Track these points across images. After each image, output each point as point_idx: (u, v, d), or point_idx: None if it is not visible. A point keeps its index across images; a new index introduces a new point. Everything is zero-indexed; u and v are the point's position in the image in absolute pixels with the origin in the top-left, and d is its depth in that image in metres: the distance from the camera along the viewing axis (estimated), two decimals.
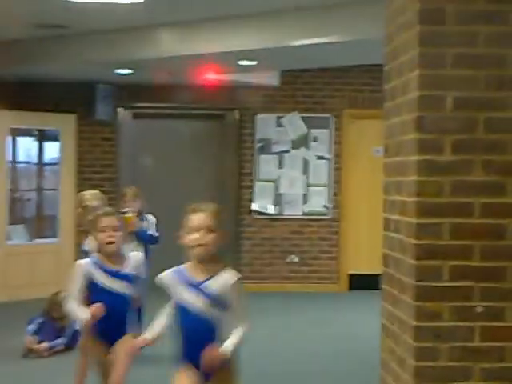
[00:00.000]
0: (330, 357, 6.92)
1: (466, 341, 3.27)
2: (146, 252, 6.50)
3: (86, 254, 4.78)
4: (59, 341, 6.80)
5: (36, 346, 6.68)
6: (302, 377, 6.27)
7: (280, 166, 10.39)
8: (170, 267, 3.76)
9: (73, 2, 6.67)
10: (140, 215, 6.80)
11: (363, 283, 10.10)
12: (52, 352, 6.72)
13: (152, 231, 6.80)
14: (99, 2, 6.71)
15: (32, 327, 6.81)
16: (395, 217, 3.61)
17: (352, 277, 10.44)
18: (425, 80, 3.26)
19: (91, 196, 5.02)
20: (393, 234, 3.65)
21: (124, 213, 6.40)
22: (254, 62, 8.35)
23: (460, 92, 3.27)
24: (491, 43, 3.26)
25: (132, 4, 6.77)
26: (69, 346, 6.66)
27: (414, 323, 3.28)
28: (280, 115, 10.38)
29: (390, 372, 3.68)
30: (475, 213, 3.27)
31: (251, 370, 6.37)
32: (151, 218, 6.91)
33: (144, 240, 6.68)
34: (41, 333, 6.79)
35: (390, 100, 3.77)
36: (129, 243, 6.22)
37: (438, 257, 3.27)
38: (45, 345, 6.70)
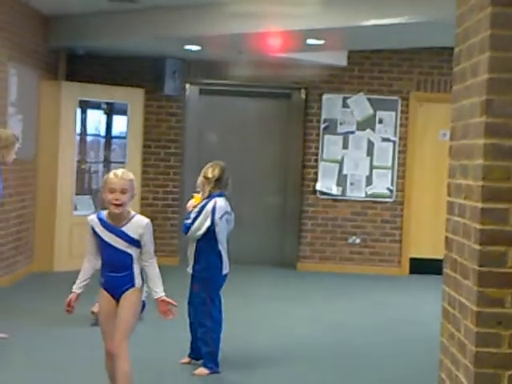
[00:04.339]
0: (388, 339, 6.91)
1: None
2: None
3: None
4: None
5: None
6: (361, 359, 6.27)
7: (345, 146, 10.35)
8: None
9: None
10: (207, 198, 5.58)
11: (425, 267, 10.05)
12: None
13: (189, 220, 5.52)
14: None
15: None
16: (460, 201, 3.57)
17: (413, 260, 10.37)
18: (495, 62, 3.20)
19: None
20: (457, 218, 3.61)
21: (198, 191, 5.65)
22: (322, 42, 8.31)
23: None
24: None
25: None
26: None
27: (476, 309, 3.25)
28: (346, 96, 10.32)
29: (449, 357, 3.66)
30: None
31: (304, 350, 6.42)
32: (206, 204, 5.50)
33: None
34: None
35: (458, 82, 3.72)
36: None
37: (502, 242, 3.23)
38: None
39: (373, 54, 10.19)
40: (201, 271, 5.54)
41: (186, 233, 5.55)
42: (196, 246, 5.53)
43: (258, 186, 10.66)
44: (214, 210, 5.46)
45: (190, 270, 5.62)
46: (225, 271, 5.60)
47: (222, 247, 5.57)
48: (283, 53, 9.21)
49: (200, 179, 5.59)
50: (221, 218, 5.51)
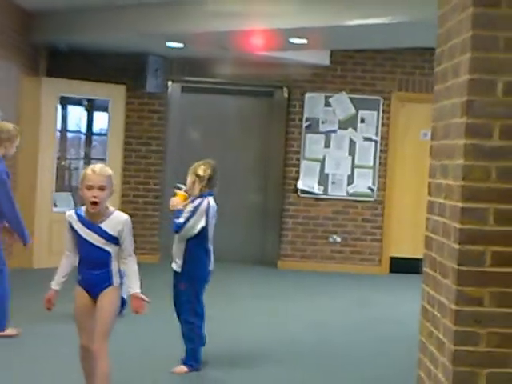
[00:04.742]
0: (368, 338, 6.92)
1: (505, 327, 3.25)
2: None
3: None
4: None
5: None
6: (341, 357, 6.29)
7: (326, 145, 10.37)
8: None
9: None
10: (193, 196, 5.53)
11: (405, 266, 10.09)
12: None
13: (182, 218, 5.42)
14: None
15: None
16: (440, 200, 3.59)
17: (394, 259, 10.41)
18: (476, 63, 3.22)
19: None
20: (437, 218, 3.63)
21: (179, 188, 5.61)
22: (305, 41, 8.32)
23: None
24: None
25: None
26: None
27: (455, 307, 3.27)
28: (329, 95, 10.34)
29: (427, 355, 3.68)
30: None
31: (285, 348, 6.44)
32: (201, 204, 5.45)
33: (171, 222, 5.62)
34: None
35: (440, 83, 3.74)
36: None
37: (481, 242, 3.25)
38: None
39: (355, 53, 10.22)
40: (189, 269, 5.50)
41: (178, 231, 5.47)
42: (186, 244, 5.48)
43: (239, 184, 10.66)
44: (208, 209, 5.45)
45: (176, 267, 5.55)
46: (210, 268, 5.61)
47: (210, 245, 5.58)
48: (266, 51, 9.21)
49: (190, 177, 5.53)
50: (212, 218, 5.52)
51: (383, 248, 10.42)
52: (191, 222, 5.42)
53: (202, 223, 5.44)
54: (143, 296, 4.34)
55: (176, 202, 5.55)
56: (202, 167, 5.52)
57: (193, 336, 5.54)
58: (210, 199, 5.51)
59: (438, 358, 3.47)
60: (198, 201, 5.46)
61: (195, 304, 5.54)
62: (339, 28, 7.47)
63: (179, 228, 5.44)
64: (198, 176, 5.49)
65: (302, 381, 5.60)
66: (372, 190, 10.38)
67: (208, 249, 5.57)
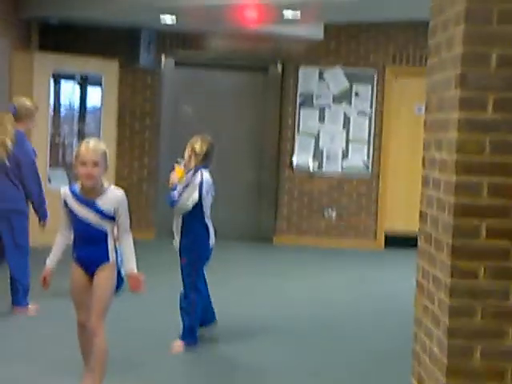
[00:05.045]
0: (363, 313, 6.95)
1: (500, 300, 3.26)
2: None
3: None
4: None
5: None
6: (337, 332, 6.31)
7: (321, 120, 10.34)
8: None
9: None
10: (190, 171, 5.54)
11: (400, 241, 10.09)
12: None
13: (176, 193, 5.47)
14: None
15: None
16: (434, 174, 3.58)
17: (389, 234, 10.42)
18: (470, 36, 3.20)
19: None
20: (431, 192, 3.63)
21: (179, 162, 5.62)
22: (298, 14, 8.27)
23: (505, 49, 3.20)
24: None
25: None
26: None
27: (450, 281, 3.27)
28: (323, 69, 10.30)
29: (423, 329, 3.69)
30: None
31: (282, 323, 6.45)
32: (194, 178, 5.48)
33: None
34: None
35: (433, 55, 3.72)
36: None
37: (475, 215, 3.24)
38: None
39: (349, 26, 10.15)
40: (188, 244, 5.53)
41: (172, 206, 5.50)
42: (182, 220, 5.52)
43: (234, 159, 10.63)
44: (201, 184, 5.48)
45: (176, 243, 5.58)
46: (211, 244, 5.63)
47: (208, 220, 5.60)
48: (259, 25, 9.15)
49: (187, 151, 5.56)
50: (207, 192, 5.53)
51: (378, 223, 10.43)
52: (184, 195, 5.44)
53: (196, 197, 5.46)
54: (140, 274, 4.34)
55: (174, 177, 5.57)
56: (200, 143, 5.56)
57: (191, 311, 5.55)
58: (205, 174, 5.53)
59: (433, 331, 3.48)
60: (191, 175, 5.49)
61: (195, 279, 5.56)
62: (332, 0, 7.42)
63: (173, 203, 5.48)
64: (194, 151, 5.53)
65: (299, 355, 5.62)
66: (367, 164, 10.37)
67: (206, 224, 5.59)
